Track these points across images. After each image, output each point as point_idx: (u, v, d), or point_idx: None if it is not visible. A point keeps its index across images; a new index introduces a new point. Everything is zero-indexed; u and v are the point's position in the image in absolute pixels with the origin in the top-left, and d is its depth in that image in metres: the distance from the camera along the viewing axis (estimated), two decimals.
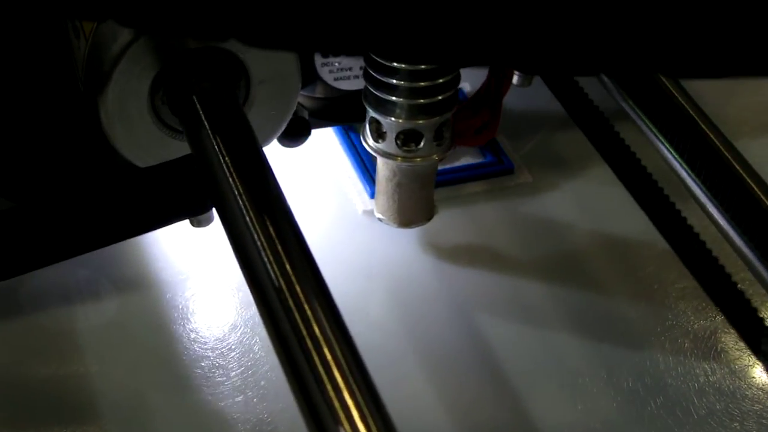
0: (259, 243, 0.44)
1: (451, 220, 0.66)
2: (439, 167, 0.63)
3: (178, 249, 0.64)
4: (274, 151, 0.59)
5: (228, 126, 0.48)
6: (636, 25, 0.33)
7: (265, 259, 0.43)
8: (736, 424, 0.55)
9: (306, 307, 0.41)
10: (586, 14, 0.33)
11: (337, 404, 0.38)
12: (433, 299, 0.62)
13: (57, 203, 0.55)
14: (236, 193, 0.46)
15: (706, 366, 0.58)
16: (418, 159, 0.58)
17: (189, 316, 0.61)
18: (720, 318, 0.61)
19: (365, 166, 0.68)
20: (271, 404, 0.56)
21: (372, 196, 0.67)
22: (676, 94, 0.58)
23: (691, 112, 0.57)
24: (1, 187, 0.57)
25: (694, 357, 0.59)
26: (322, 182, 0.70)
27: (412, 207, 0.61)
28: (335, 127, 0.70)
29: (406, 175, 0.59)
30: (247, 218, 0.45)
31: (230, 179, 0.46)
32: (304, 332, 0.40)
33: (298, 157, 0.69)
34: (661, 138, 0.59)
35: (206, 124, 0.48)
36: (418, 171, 0.59)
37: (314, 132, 0.63)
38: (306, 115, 0.60)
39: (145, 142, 0.53)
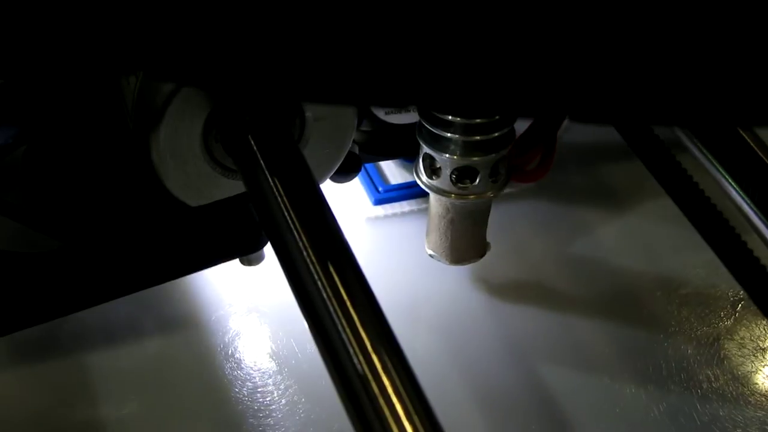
0: (320, 285, 0.42)
1: (500, 256, 0.65)
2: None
3: (222, 287, 0.63)
4: None
5: (285, 165, 0.47)
6: (709, 80, 0.32)
7: (328, 302, 0.42)
8: (739, 430, 0.56)
9: (374, 356, 0.40)
10: (651, 68, 0.32)
11: None
12: (482, 336, 0.61)
13: (105, 243, 0.54)
14: (296, 234, 0.44)
15: (710, 372, 0.59)
16: (473, 196, 0.57)
17: (232, 356, 0.60)
18: (723, 325, 0.61)
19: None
20: None
21: (375, 203, 0.68)
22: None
23: (750, 142, 0.55)
24: (49, 227, 0.56)
25: (697, 363, 0.59)
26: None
27: (465, 244, 0.60)
28: None
29: (460, 212, 0.58)
30: (307, 259, 0.43)
31: (289, 220, 0.45)
32: (374, 386, 0.39)
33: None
34: (719, 167, 0.57)
35: (263, 163, 0.47)
36: (472, 208, 0.58)
37: None
38: (356, 149, 0.59)
39: (196, 180, 0.52)
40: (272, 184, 0.46)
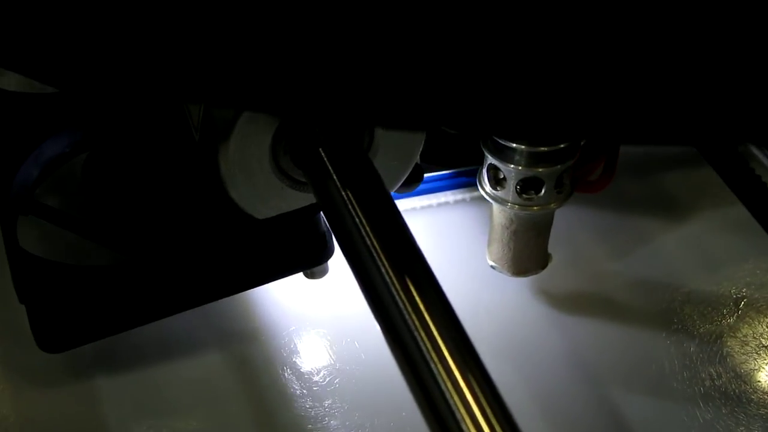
0: (398, 298, 0.42)
1: (561, 267, 0.64)
2: None
3: (284, 301, 0.63)
4: None
5: (357, 177, 0.47)
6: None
7: (406, 315, 0.42)
8: (742, 428, 0.55)
9: (455, 369, 0.40)
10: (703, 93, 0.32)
11: None
12: (546, 349, 0.61)
13: (169, 256, 0.54)
14: (370, 245, 0.44)
15: (712, 370, 0.58)
16: (537, 207, 0.56)
17: (292, 371, 0.59)
18: (726, 322, 0.61)
19: None
20: None
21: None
22: None
23: None
24: (111, 239, 0.55)
25: (699, 361, 0.59)
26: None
27: (528, 255, 0.59)
28: None
29: (523, 223, 0.58)
30: (383, 271, 0.43)
31: (363, 232, 0.45)
32: (455, 397, 0.39)
33: None
34: None
35: (334, 175, 0.47)
36: (536, 219, 0.58)
37: None
38: (418, 160, 0.59)
39: (263, 192, 0.51)
40: (344, 195, 0.46)
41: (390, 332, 0.42)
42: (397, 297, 0.42)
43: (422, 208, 0.68)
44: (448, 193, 0.69)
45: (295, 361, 0.59)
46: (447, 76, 0.32)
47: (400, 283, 0.43)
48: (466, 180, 0.68)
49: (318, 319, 0.62)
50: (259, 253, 0.54)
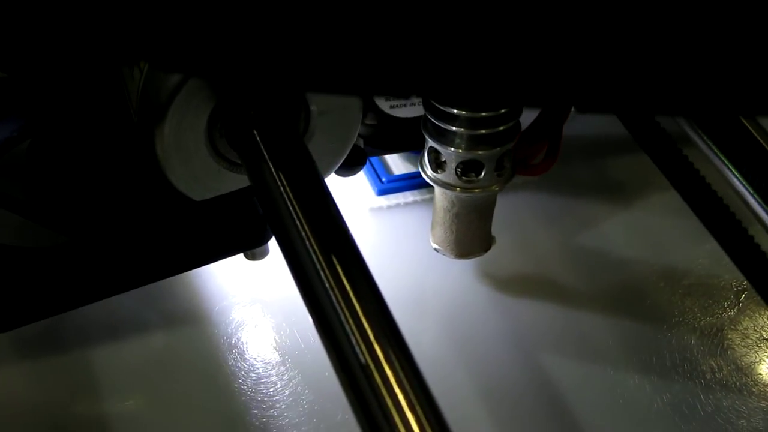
0: (324, 277, 0.42)
1: (505, 249, 0.65)
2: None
3: (226, 280, 0.63)
4: None
5: (290, 160, 0.47)
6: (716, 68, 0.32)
7: (331, 294, 0.42)
8: (743, 420, 0.56)
9: (377, 347, 0.40)
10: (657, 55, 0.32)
11: None
12: (488, 330, 0.61)
13: (109, 237, 0.54)
14: (300, 227, 0.44)
15: (713, 363, 0.59)
16: (478, 190, 0.57)
17: (236, 348, 0.60)
18: (726, 315, 0.61)
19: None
20: None
21: (378, 193, 0.69)
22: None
23: (753, 132, 0.55)
24: (54, 221, 0.56)
25: (700, 354, 0.59)
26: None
27: (470, 238, 0.60)
28: None
29: (465, 205, 0.58)
30: (312, 253, 0.43)
31: (294, 214, 0.45)
32: (377, 377, 0.39)
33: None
34: (723, 159, 0.57)
35: (267, 158, 0.47)
36: (477, 202, 0.58)
37: None
38: (361, 143, 0.59)
39: (201, 174, 0.52)
40: (277, 178, 0.46)
41: (317, 314, 0.43)
42: (324, 278, 0.42)
43: (381, 208, 0.69)
44: (399, 195, 0.70)
45: (239, 339, 0.60)
46: (385, 32, 0.32)
47: (327, 264, 0.43)
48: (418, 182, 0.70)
49: (262, 297, 0.62)
50: (198, 234, 0.55)
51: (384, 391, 0.39)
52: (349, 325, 0.41)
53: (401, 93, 0.50)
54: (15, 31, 0.35)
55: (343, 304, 0.42)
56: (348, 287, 0.42)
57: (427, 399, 0.39)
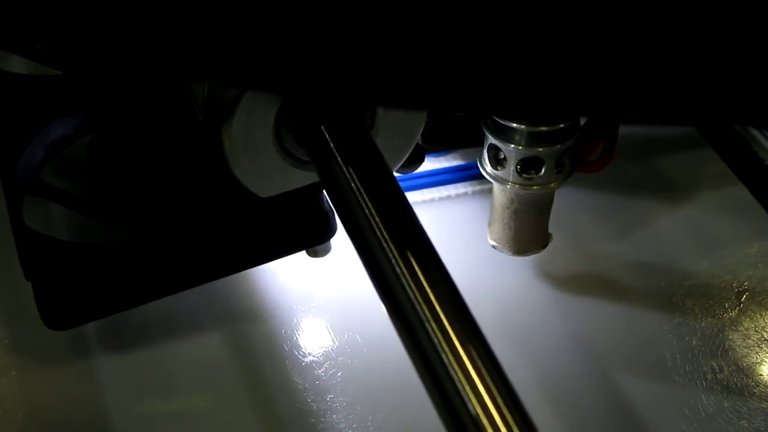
0: (400, 272, 0.43)
1: (561, 248, 0.65)
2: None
3: (287, 281, 0.64)
4: None
5: (359, 154, 0.47)
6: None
7: (409, 291, 0.42)
8: (744, 421, 0.55)
9: (458, 346, 0.40)
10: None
11: None
12: (547, 329, 0.61)
13: (173, 234, 0.54)
14: (372, 221, 0.44)
15: (714, 363, 0.58)
16: (537, 187, 0.57)
17: (294, 350, 0.60)
18: (728, 316, 0.61)
19: None
20: None
21: None
22: None
23: None
24: (116, 219, 0.56)
25: (701, 354, 0.59)
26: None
27: (528, 235, 0.60)
28: None
29: (524, 202, 0.58)
30: (386, 246, 0.44)
31: (366, 208, 0.45)
32: (457, 369, 0.39)
33: None
34: None
35: (336, 153, 0.47)
36: (536, 199, 0.58)
37: None
38: (420, 140, 0.59)
39: (267, 171, 0.52)
40: (347, 172, 0.47)
41: (394, 310, 0.43)
42: (400, 274, 0.43)
43: (424, 201, 0.69)
44: (450, 186, 0.70)
45: (297, 342, 0.60)
46: (446, 56, 0.33)
47: (403, 260, 0.43)
48: (467, 173, 0.69)
49: (322, 298, 0.62)
50: (263, 231, 0.55)
51: (467, 386, 0.39)
52: (430, 325, 0.41)
53: (467, 111, 0.50)
54: (79, 34, 0.36)
55: (419, 297, 0.42)
56: (423, 280, 0.42)
57: (508, 391, 0.39)
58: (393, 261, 0.43)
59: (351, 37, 0.33)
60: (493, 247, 0.61)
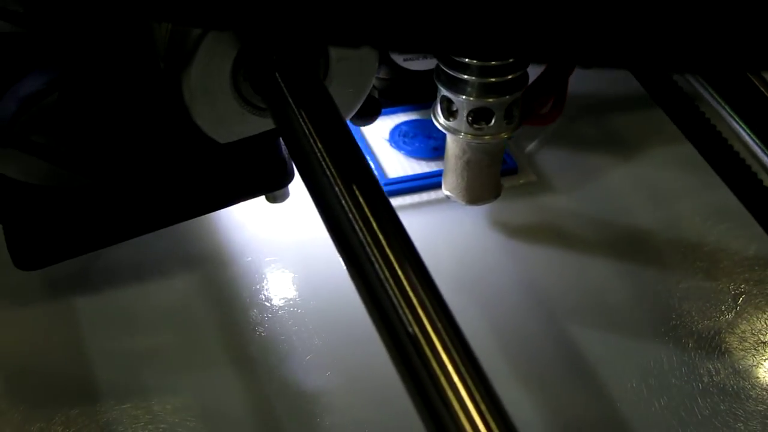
0: (349, 212, 0.44)
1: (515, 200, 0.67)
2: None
3: (247, 226, 0.66)
4: None
5: (312, 101, 0.49)
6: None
7: (357, 228, 0.44)
8: (740, 424, 0.55)
9: (402, 277, 0.42)
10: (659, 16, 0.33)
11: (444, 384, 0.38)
12: (502, 278, 0.63)
13: (133, 179, 0.56)
14: (325, 165, 0.46)
15: (710, 366, 0.58)
16: (488, 137, 0.59)
17: (260, 293, 0.62)
18: (724, 318, 0.61)
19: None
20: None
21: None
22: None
23: (761, 87, 0.57)
24: (78, 165, 0.58)
25: (698, 357, 0.59)
26: None
27: (481, 184, 0.62)
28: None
29: (476, 152, 0.60)
30: (336, 189, 0.45)
31: (318, 152, 0.47)
32: (402, 303, 0.41)
33: None
34: (732, 114, 0.58)
35: (290, 99, 0.49)
36: (488, 148, 0.60)
37: None
38: (376, 94, 0.61)
39: (226, 118, 0.54)
40: (300, 117, 0.48)
41: (343, 246, 0.45)
42: (348, 212, 0.44)
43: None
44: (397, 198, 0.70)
45: (261, 285, 0.62)
46: None
47: (351, 197, 0.45)
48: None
49: (283, 243, 0.65)
50: (223, 176, 0.57)
51: (415, 327, 0.40)
52: (374, 256, 0.42)
53: (411, 49, 0.51)
54: None
55: (365, 231, 0.43)
56: (370, 216, 0.44)
57: (464, 347, 0.41)
58: (342, 199, 0.45)
59: None
60: (447, 197, 0.63)
